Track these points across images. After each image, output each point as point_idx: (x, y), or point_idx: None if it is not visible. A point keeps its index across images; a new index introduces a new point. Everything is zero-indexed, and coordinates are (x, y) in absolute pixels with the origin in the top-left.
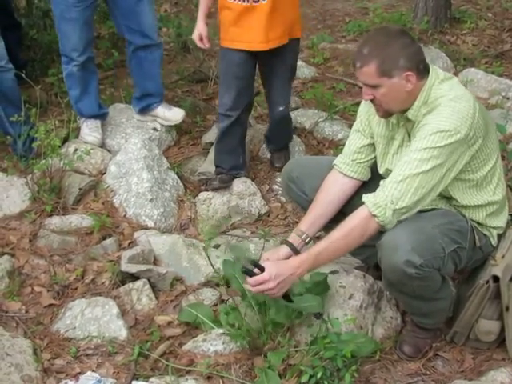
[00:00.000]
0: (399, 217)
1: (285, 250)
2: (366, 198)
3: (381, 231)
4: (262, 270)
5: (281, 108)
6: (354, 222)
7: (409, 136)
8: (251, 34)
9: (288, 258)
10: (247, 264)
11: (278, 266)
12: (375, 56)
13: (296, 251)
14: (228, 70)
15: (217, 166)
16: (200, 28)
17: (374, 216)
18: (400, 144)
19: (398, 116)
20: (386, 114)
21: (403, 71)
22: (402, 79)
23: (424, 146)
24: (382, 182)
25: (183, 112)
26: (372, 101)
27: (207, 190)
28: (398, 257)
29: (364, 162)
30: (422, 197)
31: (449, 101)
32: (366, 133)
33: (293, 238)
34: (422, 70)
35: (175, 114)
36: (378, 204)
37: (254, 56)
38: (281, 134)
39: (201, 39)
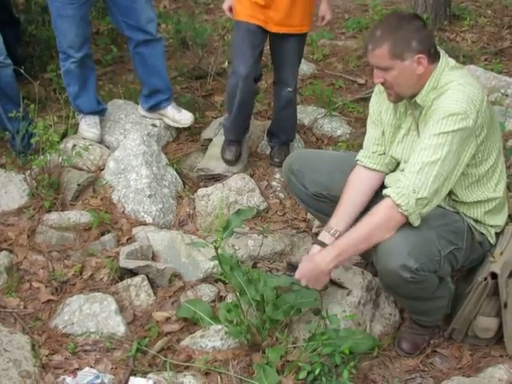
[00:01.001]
0: (421, 209)
1: (315, 249)
2: (387, 190)
3: None
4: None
5: (290, 89)
6: (379, 213)
7: (416, 125)
8: (271, 14)
9: None
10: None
11: (301, 266)
12: (387, 38)
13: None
14: (245, 38)
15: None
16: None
17: (398, 206)
18: (405, 133)
19: (406, 104)
20: (397, 98)
21: (415, 53)
22: (414, 62)
23: (438, 131)
24: (400, 174)
25: (192, 116)
26: (383, 84)
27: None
28: (393, 261)
29: (384, 153)
30: (441, 185)
31: (458, 85)
32: (379, 123)
33: (323, 235)
34: (433, 54)
35: (185, 118)
36: (402, 193)
37: (266, 33)
38: (286, 124)
39: (230, 10)
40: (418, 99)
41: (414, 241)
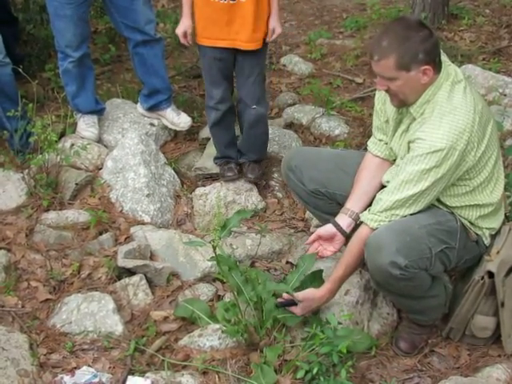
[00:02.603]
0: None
1: (328, 228)
2: (363, 216)
3: None
4: (294, 301)
5: (254, 106)
6: (360, 242)
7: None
8: (235, 31)
9: (331, 236)
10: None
11: (305, 306)
12: (394, 50)
13: (341, 230)
14: (212, 66)
15: (223, 157)
16: (186, 24)
17: (373, 229)
18: (405, 129)
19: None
20: (400, 104)
21: (421, 65)
22: (420, 72)
23: (421, 168)
24: (378, 195)
25: (191, 120)
26: (387, 91)
27: (224, 179)
28: (382, 258)
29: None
30: (418, 208)
31: (448, 113)
32: (382, 113)
33: (339, 217)
34: (438, 64)
35: (183, 122)
36: (378, 220)
37: (233, 52)
38: (255, 143)
39: (185, 36)
40: (412, 109)
41: (402, 238)
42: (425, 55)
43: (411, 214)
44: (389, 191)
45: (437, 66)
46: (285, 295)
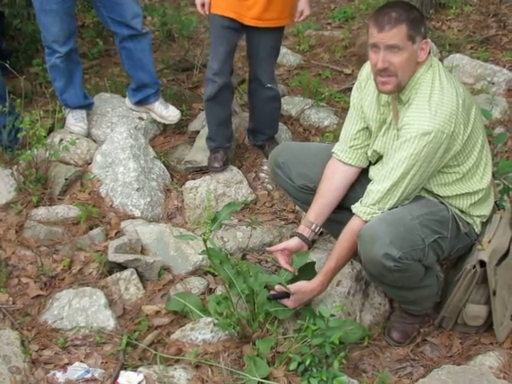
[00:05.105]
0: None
1: (296, 241)
2: (355, 209)
3: None
4: (287, 293)
5: (269, 85)
6: (351, 234)
7: (396, 120)
8: (247, 7)
9: (299, 248)
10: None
11: (296, 299)
12: (406, 18)
13: (307, 241)
14: (218, 34)
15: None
16: None
17: (365, 221)
18: (387, 127)
19: (389, 98)
20: (395, 87)
21: (422, 38)
22: (419, 47)
23: (409, 152)
24: (368, 187)
25: (179, 113)
26: (385, 70)
27: (210, 170)
28: (376, 250)
29: (361, 147)
30: (408, 195)
31: (433, 96)
32: (359, 117)
33: (302, 228)
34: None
35: (172, 115)
36: (368, 212)
37: (242, 27)
38: (271, 117)
39: (203, 5)
40: (402, 95)
41: (396, 230)
42: (425, 30)
43: (403, 206)
44: (379, 180)
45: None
46: (277, 287)
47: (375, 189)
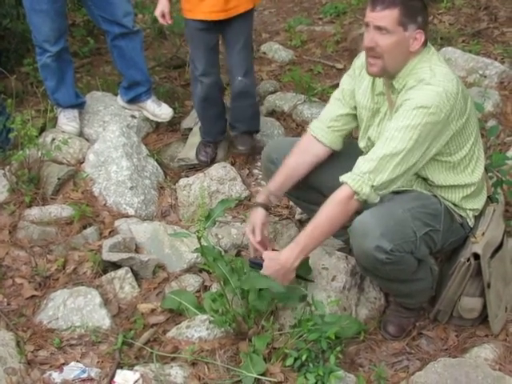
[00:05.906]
0: (378, 193)
1: (262, 212)
2: (344, 177)
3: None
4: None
5: (239, 77)
6: (336, 202)
7: (391, 110)
8: (210, 3)
9: (266, 220)
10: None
11: (266, 266)
12: (400, 3)
13: (269, 210)
14: (194, 37)
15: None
16: (163, 4)
17: (355, 193)
18: (382, 117)
19: (384, 87)
20: (379, 71)
21: (417, 28)
22: (412, 37)
23: (406, 123)
24: (360, 158)
25: (172, 111)
26: (371, 50)
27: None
28: (367, 243)
29: (339, 130)
30: (401, 174)
31: (433, 79)
32: (346, 103)
33: (262, 198)
34: (426, 39)
35: (164, 113)
36: (357, 179)
37: (216, 25)
38: (243, 114)
39: (163, 16)
40: (395, 82)
41: (387, 222)
42: (422, 21)
43: (394, 199)
44: (373, 150)
45: (425, 39)
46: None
47: (368, 157)
